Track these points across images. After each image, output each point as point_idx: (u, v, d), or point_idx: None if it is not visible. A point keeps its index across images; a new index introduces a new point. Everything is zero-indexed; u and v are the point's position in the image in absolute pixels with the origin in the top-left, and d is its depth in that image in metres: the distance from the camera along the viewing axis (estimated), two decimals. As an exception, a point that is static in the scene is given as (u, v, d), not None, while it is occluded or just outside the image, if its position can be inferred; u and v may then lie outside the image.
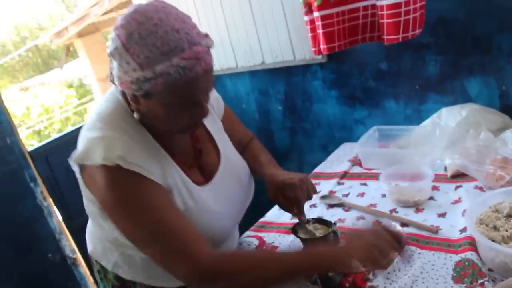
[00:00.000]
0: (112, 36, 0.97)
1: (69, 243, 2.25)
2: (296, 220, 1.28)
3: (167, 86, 0.94)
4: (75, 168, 1.06)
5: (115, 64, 0.98)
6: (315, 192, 1.25)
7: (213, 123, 1.29)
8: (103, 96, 1.14)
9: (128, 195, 0.99)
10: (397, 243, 1.03)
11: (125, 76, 0.95)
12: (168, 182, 1.06)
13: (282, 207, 1.25)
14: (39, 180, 2.15)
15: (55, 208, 2.22)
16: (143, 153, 1.02)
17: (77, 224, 2.20)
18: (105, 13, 6.26)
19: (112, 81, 1.07)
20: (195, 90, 0.98)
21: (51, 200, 2.20)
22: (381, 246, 1.00)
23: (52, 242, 2.20)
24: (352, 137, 2.15)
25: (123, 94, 1.08)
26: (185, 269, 0.97)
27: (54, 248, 2.20)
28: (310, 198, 1.23)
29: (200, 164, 1.20)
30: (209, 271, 0.97)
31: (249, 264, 1.00)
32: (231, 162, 1.26)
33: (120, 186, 0.99)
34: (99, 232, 1.19)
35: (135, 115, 1.05)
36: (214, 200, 1.15)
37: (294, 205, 1.22)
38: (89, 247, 1.29)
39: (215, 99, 1.34)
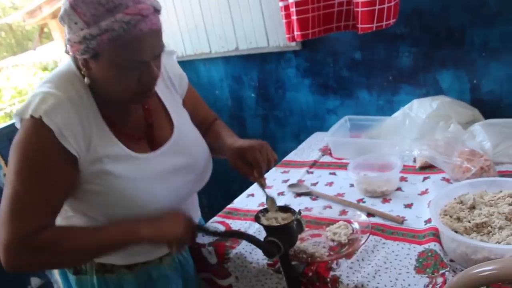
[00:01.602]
0: (63, 1, 0.98)
1: (32, 228, 2.19)
2: (261, 207, 1.26)
3: (112, 43, 0.95)
4: (18, 126, 1.07)
5: (66, 29, 1.00)
6: (275, 159, 1.23)
7: (171, 98, 1.29)
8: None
9: (30, 150, 1.01)
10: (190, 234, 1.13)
11: (74, 37, 0.97)
12: (94, 146, 1.07)
13: (242, 172, 1.22)
14: (2, 162, 2.08)
15: (18, 191, 2.15)
16: (74, 118, 1.03)
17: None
18: (81, -6, 6.10)
19: (67, 52, 1.07)
20: (140, 48, 0.99)
21: (14, 183, 2.13)
22: (180, 237, 1.10)
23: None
24: (325, 126, 2.13)
25: (75, 61, 1.09)
26: (4, 236, 0.98)
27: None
28: (269, 164, 1.21)
29: (151, 137, 1.20)
30: (18, 246, 0.98)
31: (49, 240, 1.02)
32: (185, 139, 1.25)
33: (29, 139, 1.01)
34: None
35: (86, 80, 1.06)
36: (154, 169, 1.16)
37: (254, 169, 1.20)
38: None
39: (177, 76, 1.33)
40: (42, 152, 1.01)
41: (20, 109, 1.04)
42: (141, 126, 1.19)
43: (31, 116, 1.00)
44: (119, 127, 1.14)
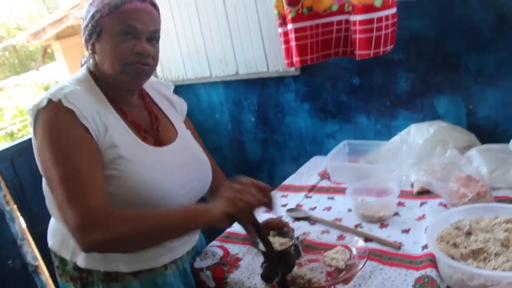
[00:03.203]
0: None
1: (31, 250, 2.19)
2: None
3: (112, 11, 1.13)
4: (31, 122, 1.14)
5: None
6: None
7: (174, 114, 1.42)
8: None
9: (58, 131, 1.08)
10: (263, 194, 1.10)
11: (83, 23, 1.18)
12: (110, 133, 1.15)
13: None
14: (2, 184, 2.09)
15: (18, 213, 2.16)
16: (90, 104, 1.13)
17: (41, 230, 2.13)
18: (84, 17, 6.19)
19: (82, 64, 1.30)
20: (135, 17, 1.15)
21: (14, 204, 2.14)
22: (245, 197, 1.07)
23: (13, 248, 2.13)
24: (323, 151, 2.15)
25: (90, 72, 1.24)
26: (72, 216, 1.02)
27: (15, 255, 2.14)
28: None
29: (157, 135, 1.29)
30: (90, 221, 1.01)
31: (126, 217, 1.07)
32: (188, 143, 1.37)
33: (54, 122, 1.09)
34: (57, 217, 1.24)
35: (92, 60, 1.22)
36: (161, 161, 1.23)
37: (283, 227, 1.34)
38: (49, 241, 1.33)
39: (178, 100, 1.47)
40: (69, 129, 1.09)
41: (37, 102, 1.11)
42: (148, 126, 1.29)
43: (50, 101, 1.09)
44: (129, 117, 1.24)
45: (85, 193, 1.04)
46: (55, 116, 1.09)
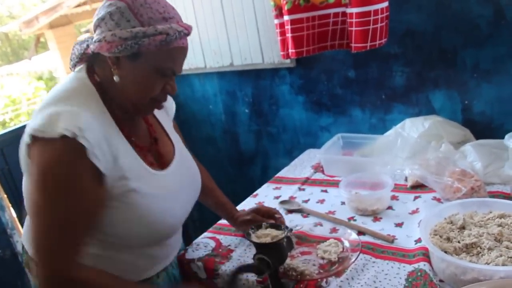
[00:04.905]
0: (109, 3, 1.04)
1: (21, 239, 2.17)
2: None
3: (162, 45, 1.02)
4: (24, 144, 1.02)
5: (103, 27, 1.04)
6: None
7: (166, 119, 1.35)
8: (63, 80, 1.16)
9: (61, 173, 0.98)
10: None
11: (120, 33, 1.01)
12: (120, 164, 1.06)
13: (260, 220, 1.36)
14: (-7, 172, 2.06)
15: (8, 202, 2.13)
16: (100, 134, 1.02)
17: (31, 219, 2.12)
18: (78, 6, 6.14)
19: (73, 68, 1.14)
20: (177, 58, 1.08)
21: (4, 194, 2.11)
22: None
23: (3, 238, 2.11)
24: (317, 143, 2.15)
25: (88, 73, 1.12)
26: (43, 264, 0.97)
27: (4, 244, 2.11)
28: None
29: (157, 151, 1.23)
30: (57, 281, 0.97)
31: (88, 280, 1.00)
32: (184, 156, 1.31)
33: (60, 162, 0.98)
34: None
35: (115, 78, 1.07)
36: (168, 187, 1.18)
37: (273, 215, 1.39)
38: (30, 249, 1.22)
39: (170, 101, 1.38)
40: (75, 174, 0.99)
41: (39, 128, 0.98)
42: (146, 140, 1.22)
43: (62, 135, 0.96)
44: (134, 140, 1.15)
45: (66, 247, 0.98)
46: (63, 152, 0.97)
